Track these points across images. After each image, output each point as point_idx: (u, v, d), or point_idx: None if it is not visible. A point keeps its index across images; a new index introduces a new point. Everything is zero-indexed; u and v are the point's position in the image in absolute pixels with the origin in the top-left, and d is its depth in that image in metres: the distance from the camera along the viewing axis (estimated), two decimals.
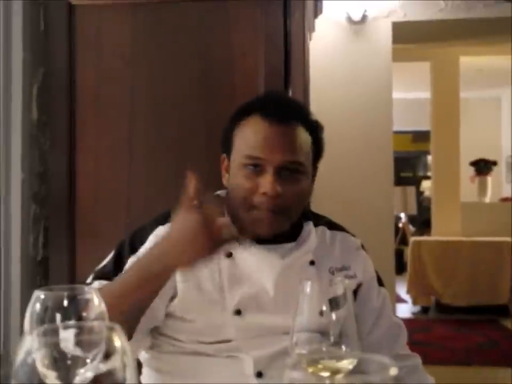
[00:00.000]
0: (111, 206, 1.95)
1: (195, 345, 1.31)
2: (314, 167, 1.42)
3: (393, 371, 0.45)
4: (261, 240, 1.35)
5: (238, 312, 1.30)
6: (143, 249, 1.31)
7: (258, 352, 1.29)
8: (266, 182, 1.28)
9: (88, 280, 1.35)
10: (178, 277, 1.30)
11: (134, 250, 1.34)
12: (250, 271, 1.33)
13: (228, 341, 1.30)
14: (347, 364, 0.76)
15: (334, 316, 0.92)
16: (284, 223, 1.33)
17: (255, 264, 1.34)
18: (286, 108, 1.37)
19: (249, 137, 1.33)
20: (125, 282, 1.16)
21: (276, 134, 1.31)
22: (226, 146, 1.39)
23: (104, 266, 1.37)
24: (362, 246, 1.50)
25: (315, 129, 1.40)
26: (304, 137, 1.35)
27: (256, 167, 1.30)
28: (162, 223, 1.34)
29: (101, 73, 1.97)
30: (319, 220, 1.48)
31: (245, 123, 1.35)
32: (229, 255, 1.33)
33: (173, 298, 1.31)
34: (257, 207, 1.29)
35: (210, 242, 1.10)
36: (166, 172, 1.94)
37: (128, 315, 1.15)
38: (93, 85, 1.97)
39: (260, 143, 1.31)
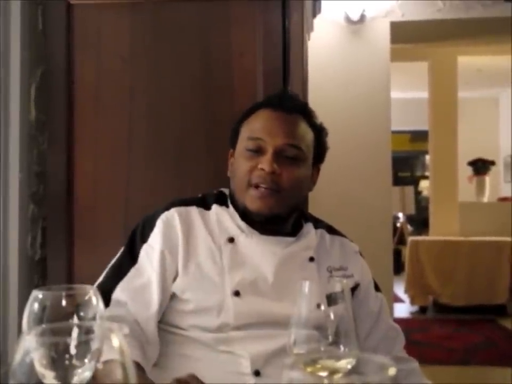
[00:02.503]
0: (109, 206, 1.95)
1: (196, 333, 1.33)
2: (316, 168, 1.46)
3: (392, 371, 0.45)
4: (263, 231, 1.40)
5: (236, 294, 1.33)
6: (152, 235, 1.38)
7: (255, 349, 1.30)
8: (264, 160, 1.35)
9: (100, 280, 1.38)
10: (180, 258, 1.35)
11: (144, 238, 1.40)
12: (251, 257, 1.37)
13: (227, 326, 1.32)
14: (345, 363, 0.76)
15: (331, 312, 0.93)
16: (279, 203, 1.37)
17: (256, 251, 1.38)
18: (291, 101, 1.46)
19: (253, 124, 1.42)
20: None
21: (277, 120, 1.40)
22: (234, 140, 1.46)
23: (118, 260, 1.41)
24: (361, 254, 1.53)
25: (319, 130, 1.46)
26: (306, 129, 1.42)
27: (257, 152, 1.37)
28: (169, 209, 1.41)
29: (99, 72, 1.96)
30: (318, 223, 1.53)
31: (252, 116, 1.43)
32: (231, 240, 1.38)
33: (175, 279, 1.35)
34: (255, 183, 1.35)
35: None
36: (165, 171, 1.94)
37: None
38: (92, 85, 1.96)
39: (262, 126, 1.39)
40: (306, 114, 1.45)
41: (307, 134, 1.42)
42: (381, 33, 4.45)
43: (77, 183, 1.95)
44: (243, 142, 1.41)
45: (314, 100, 2.87)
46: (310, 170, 1.44)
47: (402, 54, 5.80)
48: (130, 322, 1.29)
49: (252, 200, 1.36)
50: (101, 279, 1.39)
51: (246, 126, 1.43)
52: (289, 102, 1.44)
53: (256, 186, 1.36)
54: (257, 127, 1.40)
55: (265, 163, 1.34)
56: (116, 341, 0.59)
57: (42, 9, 2.01)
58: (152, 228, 1.40)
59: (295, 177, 1.37)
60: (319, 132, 1.46)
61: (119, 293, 1.33)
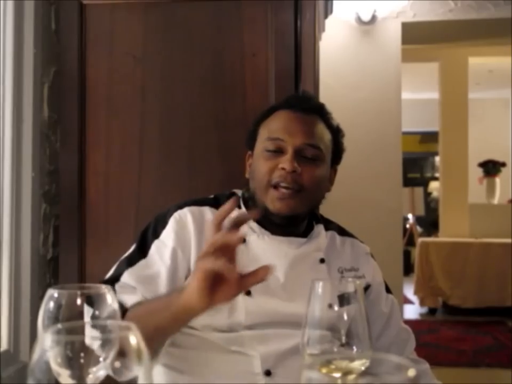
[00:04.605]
0: (121, 204, 1.95)
1: (208, 334, 1.33)
2: (333, 169, 1.48)
3: (412, 372, 0.45)
4: (274, 232, 1.40)
5: (248, 293, 1.33)
6: (165, 233, 1.38)
7: (266, 349, 1.31)
8: (285, 160, 1.35)
9: (110, 272, 1.38)
10: (192, 257, 1.35)
11: (156, 234, 1.40)
12: (262, 257, 1.37)
13: (239, 325, 1.32)
14: (359, 364, 0.75)
15: (342, 312, 0.93)
16: (300, 203, 1.36)
17: (267, 251, 1.38)
18: (309, 102, 1.46)
19: (272, 124, 1.41)
20: (157, 316, 1.16)
21: (296, 120, 1.39)
22: (251, 142, 1.46)
23: (128, 255, 1.41)
24: (372, 255, 1.53)
25: (336, 131, 1.46)
26: (324, 130, 1.42)
27: (277, 152, 1.37)
28: (182, 208, 1.41)
29: (112, 72, 1.97)
30: (329, 225, 1.53)
31: (270, 117, 1.43)
32: (242, 240, 1.36)
33: (187, 277, 1.35)
34: (276, 183, 1.35)
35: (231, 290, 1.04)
36: (177, 170, 1.94)
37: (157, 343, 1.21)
38: (104, 84, 1.97)
39: (281, 126, 1.39)
40: (324, 115, 1.45)
41: (325, 134, 1.42)
42: (392, 34, 4.44)
43: (89, 182, 1.96)
44: (262, 143, 1.40)
45: (324, 100, 2.86)
46: (329, 171, 1.44)
47: (413, 55, 5.78)
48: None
49: (272, 200, 1.35)
50: (109, 273, 1.39)
51: (264, 127, 1.43)
52: (307, 103, 1.44)
53: (276, 187, 1.35)
54: (276, 128, 1.39)
55: (286, 162, 1.34)
56: (133, 339, 0.59)
57: (55, 9, 2.02)
58: (164, 225, 1.40)
59: (315, 176, 1.37)
60: (336, 133, 1.46)
61: (127, 278, 1.33)
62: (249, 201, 1.44)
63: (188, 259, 1.36)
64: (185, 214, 1.40)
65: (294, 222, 1.40)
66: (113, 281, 1.32)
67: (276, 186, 1.35)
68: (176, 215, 1.40)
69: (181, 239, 1.37)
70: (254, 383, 1.29)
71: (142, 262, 1.36)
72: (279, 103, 1.48)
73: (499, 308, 5.79)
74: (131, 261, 1.37)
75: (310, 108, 1.43)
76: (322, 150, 1.39)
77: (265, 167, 1.37)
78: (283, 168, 1.34)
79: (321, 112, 1.45)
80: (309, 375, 0.47)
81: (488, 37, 5.27)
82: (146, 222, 1.49)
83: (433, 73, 6.92)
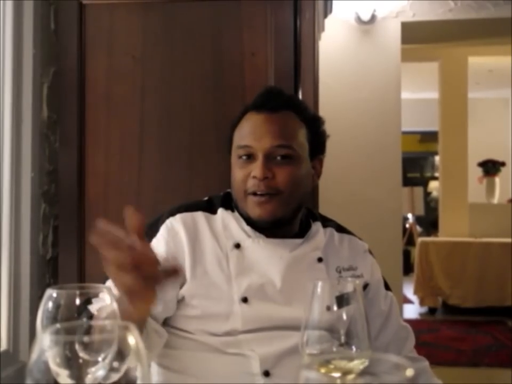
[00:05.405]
0: (120, 205, 1.94)
1: (204, 337, 1.32)
2: (318, 160, 1.44)
3: (410, 372, 0.45)
4: (269, 234, 1.38)
5: (244, 300, 1.32)
6: (155, 240, 1.35)
7: (264, 350, 1.30)
8: (255, 167, 1.33)
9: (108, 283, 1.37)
10: (187, 265, 1.33)
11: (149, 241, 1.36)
12: (258, 262, 1.36)
13: (235, 331, 1.31)
14: (358, 364, 0.75)
15: (341, 313, 0.92)
16: (279, 207, 1.34)
17: (263, 256, 1.36)
18: (276, 98, 1.40)
19: (242, 129, 1.39)
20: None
21: (264, 122, 1.36)
22: (229, 148, 1.43)
23: None
24: (370, 252, 1.51)
25: (312, 121, 1.42)
26: (295, 125, 1.38)
27: (249, 158, 1.35)
28: (174, 215, 1.39)
29: (111, 72, 1.97)
30: (327, 222, 1.51)
31: (241, 121, 1.40)
32: (237, 246, 1.37)
33: (182, 285, 1.34)
34: (251, 192, 1.33)
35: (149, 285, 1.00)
36: (176, 170, 1.94)
37: None
38: (104, 84, 1.97)
39: (249, 132, 1.36)
40: (295, 108, 1.40)
41: (298, 130, 1.38)
42: (392, 34, 4.44)
43: (89, 182, 1.96)
44: (235, 151, 1.38)
45: (324, 100, 2.87)
46: (308, 166, 1.40)
47: (413, 54, 5.78)
48: None
49: (252, 207, 1.34)
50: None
51: (236, 133, 1.40)
52: (273, 100, 1.38)
53: (254, 194, 1.34)
54: (245, 134, 1.37)
55: (256, 170, 1.32)
56: (131, 340, 0.59)
57: (55, 9, 2.02)
58: (154, 233, 1.37)
59: (290, 176, 1.34)
60: (313, 123, 1.41)
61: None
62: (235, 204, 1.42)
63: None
64: (177, 222, 1.37)
65: (280, 225, 1.37)
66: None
67: (253, 194, 1.33)
68: (168, 222, 1.38)
69: (171, 248, 1.35)
70: (253, 383, 1.29)
71: None
72: (248, 105, 1.43)
73: (499, 308, 5.79)
74: None
75: (277, 104, 1.37)
76: (294, 148, 1.35)
77: (239, 175, 1.35)
78: (254, 177, 1.32)
79: (291, 105, 1.40)
80: (306, 375, 0.47)
81: (488, 37, 5.27)
82: (146, 221, 1.49)
83: (433, 73, 6.92)
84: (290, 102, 1.42)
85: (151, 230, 1.38)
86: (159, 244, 1.35)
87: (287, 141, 1.35)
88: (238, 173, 1.36)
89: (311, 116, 1.43)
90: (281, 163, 1.34)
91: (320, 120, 1.44)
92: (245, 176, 1.34)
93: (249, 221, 1.38)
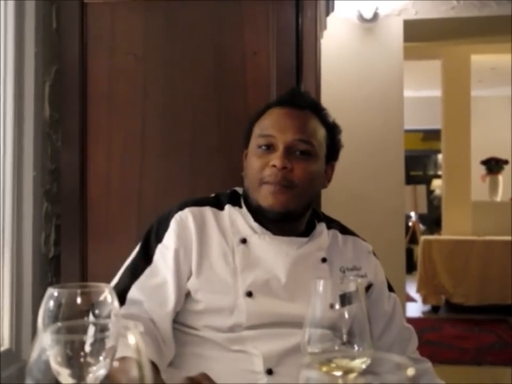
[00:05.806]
0: (122, 203, 1.95)
1: (208, 333, 1.33)
2: (330, 166, 1.47)
3: (411, 371, 0.45)
4: (276, 231, 1.40)
5: (249, 294, 1.33)
6: (167, 235, 1.38)
7: (268, 348, 1.31)
8: (275, 157, 1.35)
9: (115, 281, 1.37)
10: (194, 258, 1.35)
11: (159, 238, 1.40)
12: (263, 257, 1.37)
13: (239, 326, 1.32)
14: (360, 363, 0.75)
15: (345, 311, 0.92)
16: (292, 200, 1.36)
17: (268, 252, 1.38)
18: (300, 97, 1.46)
19: (264, 122, 1.42)
20: None
21: (287, 116, 1.40)
22: (247, 140, 1.46)
23: (133, 261, 1.40)
24: (374, 253, 1.52)
25: (331, 127, 1.46)
26: (317, 125, 1.42)
27: (269, 148, 1.37)
28: (182, 209, 1.41)
29: (113, 71, 1.97)
30: (331, 223, 1.52)
31: (263, 116, 1.43)
32: (244, 241, 1.38)
33: (189, 278, 1.36)
34: (268, 181, 1.35)
35: None
36: (178, 169, 1.94)
37: None
38: (105, 83, 1.97)
39: (272, 123, 1.40)
40: (318, 111, 1.44)
41: (318, 129, 1.41)
42: (394, 32, 4.43)
43: (91, 180, 1.96)
44: (255, 140, 1.41)
45: (326, 98, 2.87)
46: (323, 167, 1.43)
47: (415, 52, 5.77)
48: (146, 320, 1.29)
49: (264, 196, 1.36)
50: (115, 280, 1.38)
51: (257, 125, 1.43)
52: (300, 99, 1.44)
53: (269, 183, 1.35)
54: (268, 125, 1.40)
55: (276, 159, 1.34)
56: (132, 339, 0.59)
57: (56, 8, 2.01)
58: (166, 228, 1.40)
59: (307, 172, 1.37)
60: (332, 129, 1.46)
61: (134, 292, 1.33)
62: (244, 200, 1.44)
63: (189, 260, 1.36)
64: (186, 215, 1.40)
65: (289, 218, 1.39)
66: (119, 294, 1.32)
67: (268, 183, 1.35)
68: (177, 216, 1.40)
69: (182, 239, 1.37)
70: (256, 382, 1.29)
71: (147, 271, 1.36)
72: (272, 101, 1.48)
73: (502, 306, 5.79)
74: (136, 271, 1.37)
75: (302, 103, 1.42)
76: (314, 145, 1.38)
77: (257, 164, 1.37)
78: (274, 166, 1.34)
79: (315, 108, 1.44)
80: (307, 374, 0.47)
81: (491, 34, 5.26)
82: (148, 221, 1.49)
83: (436, 71, 6.91)
84: (313, 103, 1.46)
85: (162, 225, 1.41)
86: (170, 238, 1.38)
87: (308, 137, 1.38)
88: (255, 162, 1.38)
89: (331, 122, 1.47)
90: (300, 158, 1.37)
91: (338, 128, 1.48)
92: (263, 165, 1.36)
93: (257, 217, 1.40)
